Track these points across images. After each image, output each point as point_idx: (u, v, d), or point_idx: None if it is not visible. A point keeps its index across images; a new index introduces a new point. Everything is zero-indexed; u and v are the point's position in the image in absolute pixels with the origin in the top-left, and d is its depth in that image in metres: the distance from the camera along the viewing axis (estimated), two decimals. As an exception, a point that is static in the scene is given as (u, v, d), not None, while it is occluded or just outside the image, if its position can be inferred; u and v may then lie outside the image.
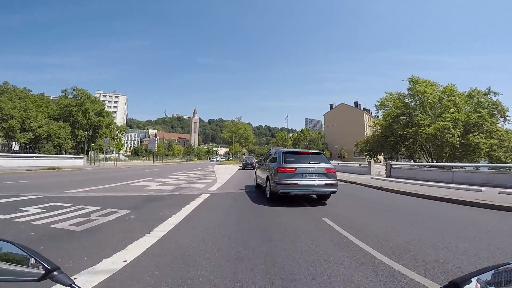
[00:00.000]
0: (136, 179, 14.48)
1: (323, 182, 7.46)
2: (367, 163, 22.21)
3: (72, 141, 63.58)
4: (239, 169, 29.00)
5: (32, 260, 0.83)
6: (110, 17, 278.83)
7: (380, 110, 37.69)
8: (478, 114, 30.77)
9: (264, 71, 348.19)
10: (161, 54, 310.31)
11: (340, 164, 30.13)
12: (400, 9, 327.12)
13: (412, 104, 34.58)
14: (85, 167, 27.47)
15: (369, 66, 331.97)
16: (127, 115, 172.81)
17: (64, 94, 69.70)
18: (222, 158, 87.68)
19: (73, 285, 0.82)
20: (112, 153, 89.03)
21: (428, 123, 31.30)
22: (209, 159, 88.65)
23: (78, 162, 31.77)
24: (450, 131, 28.22)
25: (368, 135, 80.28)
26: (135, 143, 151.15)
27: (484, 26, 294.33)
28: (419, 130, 30.54)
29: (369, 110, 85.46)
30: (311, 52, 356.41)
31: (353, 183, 14.18)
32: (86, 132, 62.16)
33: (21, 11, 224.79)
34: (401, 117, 33.51)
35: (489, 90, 33.25)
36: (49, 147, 55.95)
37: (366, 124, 78.96)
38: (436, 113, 32.70)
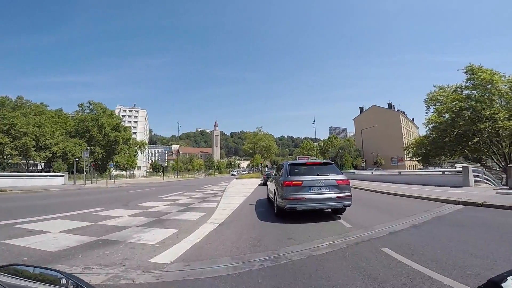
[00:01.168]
0: (80, 209, 8.90)
1: (334, 195, 6.72)
2: (460, 169, 15.29)
3: (89, 159, 61.07)
4: (260, 184, 23.29)
5: (72, 287, 0.85)
6: (131, 36, 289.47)
7: (431, 106, 30.00)
8: None
9: (282, 81, 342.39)
10: (182, 70, 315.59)
11: (384, 173, 23.47)
12: (409, 8, 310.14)
13: (474, 95, 26.87)
14: (62, 187, 22.20)
15: (389, 69, 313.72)
16: (151, 131, 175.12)
17: (80, 109, 67.21)
18: (243, 171, 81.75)
19: None
20: (133, 169, 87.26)
21: (506, 116, 23.66)
22: (230, 172, 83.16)
23: (56, 181, 26.57)
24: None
25: (408, 139, 71.20)
26: (160, 159, 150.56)
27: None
28: (497, 125, 22.83)
29: (404, 112, 76.14)
30: (329, 59, 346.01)
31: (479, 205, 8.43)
32: (88, 148, 59.35)
33: (46, 32, 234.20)
34: (465, 112, 25.74)
35: None
36: (59, 165, 52.73)
37: (403, 127, 69.62)
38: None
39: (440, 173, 17.41)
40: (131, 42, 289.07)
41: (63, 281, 0.86)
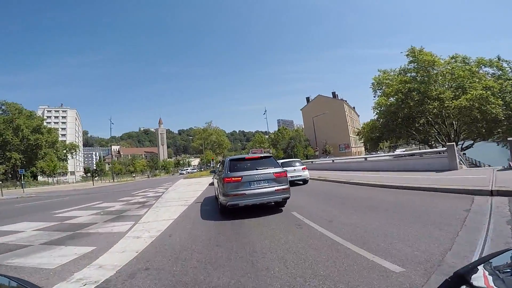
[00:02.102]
0: None
1: (273, 189, 6.81)
2: (444, 149, 13.41)
3: (4, 165, 50.32)
4: (211, 184, 18.24)
5: None
6: (61, 33, 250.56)
7: (377, 90, 30.45)
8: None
9: (230, 76, 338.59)
10: (121, 67, 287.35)
11: (347, 161, 22.19)
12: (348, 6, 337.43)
13: (418, 77, 27.84)
14: None
15: (330, 64, 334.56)
16: (86, 133, 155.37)
17: None
18: (193, 169, 76.28)
19: None
20: (65, 175, 75.28)
21: (451, 96, 24.73)
22: (178, 172, 77.11)
23: None
24: (490, 101, 21.43)
25: (352, 126, 74.96)
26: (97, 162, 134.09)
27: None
28: (445, 104, 23.67)
29: (346, 100, 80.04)
30: (276, 53, 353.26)
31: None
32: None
33: None
34: (413, 93, 26.35)
35: (498, 58, 27.82)
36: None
37: (347, 115, 72.99)
38: (455, 85, 26.44)
39: (416, 156, 16.13)
40: (61, 39, 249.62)
41: (11, 283, 0.83)
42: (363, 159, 20.65)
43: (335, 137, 65.02)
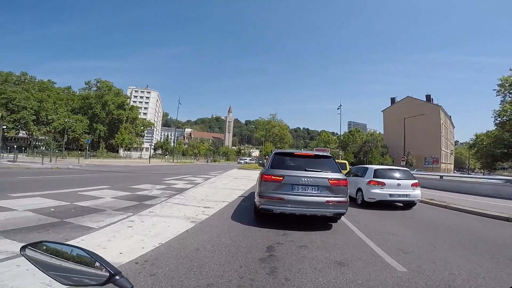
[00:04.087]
0: None
1: (323, 199, 5.23)
2: None
3: (90, 135, 57.77)
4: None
5: (97, 264, 0.88)
6: (152, 25, 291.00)
7: (508, 92, 22.22)
8: None
9: (300, 73, 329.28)
10: (202, 59, 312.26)
11: (457, 179, 15.99)
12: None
13: None
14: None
15: (413, 67, 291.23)
16: (167, 115, 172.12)
17: (87, 86, 63.88)
18: (251, 160, 74.69)
19: None
20: (140, 150, 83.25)
21: None
22: (237, 160, 76.96)
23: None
24: None
25: (446, 138, 61.48)
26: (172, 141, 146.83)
27: None
28: None
29: (441, 106, 66.32)
30: (351, 51, 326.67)
31: None
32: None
33: (72, 21, 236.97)
34: None
35: None
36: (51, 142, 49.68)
37: (442, 124, 60.24)
38: None
39: None
40: (152, 33, 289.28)
41: (94, 262, 0.89)
42: (481, 179, 15.09)
43: (421, 148, 54.23)
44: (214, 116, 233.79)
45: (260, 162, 17.62)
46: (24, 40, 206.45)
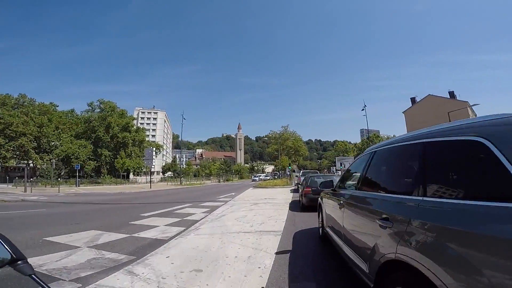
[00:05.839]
0: None
1: None
2: None
3: (95, 161, 54.04)
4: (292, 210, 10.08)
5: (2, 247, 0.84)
6: (161, 46, 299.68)
7: None
8: None
9: (307, 86, 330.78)
10: (210, 77, 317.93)
11: None
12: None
13: None
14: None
15: (422, 70, 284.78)
16: (177, 136, 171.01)
17: (90, 108, 60.25)
18: (266, 176, 69.35)
19: (33, 275, 0.81)
20: (152, 174, 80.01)
21: None
22: (251, 178, 71.79)
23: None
24: None
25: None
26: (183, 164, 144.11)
27: None
28: None
29: (467, 102, 60.34)
30: (354, 61, 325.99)
31: None
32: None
33: (78, 44, 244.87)
34: None
35: None
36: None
37: (472, 121, 54.09)
38: None
39: None
40: (162, 52, 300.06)
41: None
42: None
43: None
44: (224, 134, 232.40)
45: (297, 184, 13.11)
46: (28, 65, 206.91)
